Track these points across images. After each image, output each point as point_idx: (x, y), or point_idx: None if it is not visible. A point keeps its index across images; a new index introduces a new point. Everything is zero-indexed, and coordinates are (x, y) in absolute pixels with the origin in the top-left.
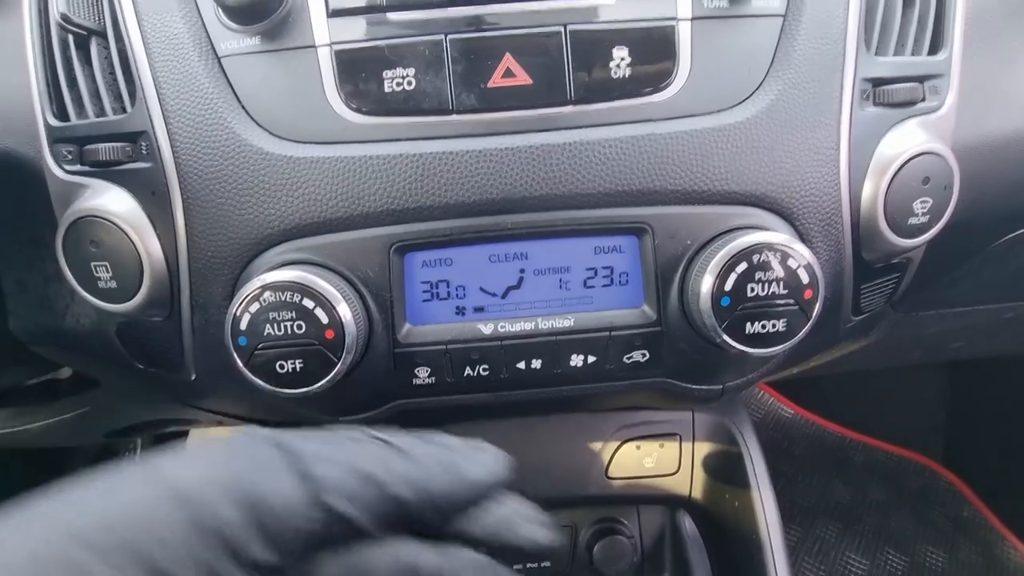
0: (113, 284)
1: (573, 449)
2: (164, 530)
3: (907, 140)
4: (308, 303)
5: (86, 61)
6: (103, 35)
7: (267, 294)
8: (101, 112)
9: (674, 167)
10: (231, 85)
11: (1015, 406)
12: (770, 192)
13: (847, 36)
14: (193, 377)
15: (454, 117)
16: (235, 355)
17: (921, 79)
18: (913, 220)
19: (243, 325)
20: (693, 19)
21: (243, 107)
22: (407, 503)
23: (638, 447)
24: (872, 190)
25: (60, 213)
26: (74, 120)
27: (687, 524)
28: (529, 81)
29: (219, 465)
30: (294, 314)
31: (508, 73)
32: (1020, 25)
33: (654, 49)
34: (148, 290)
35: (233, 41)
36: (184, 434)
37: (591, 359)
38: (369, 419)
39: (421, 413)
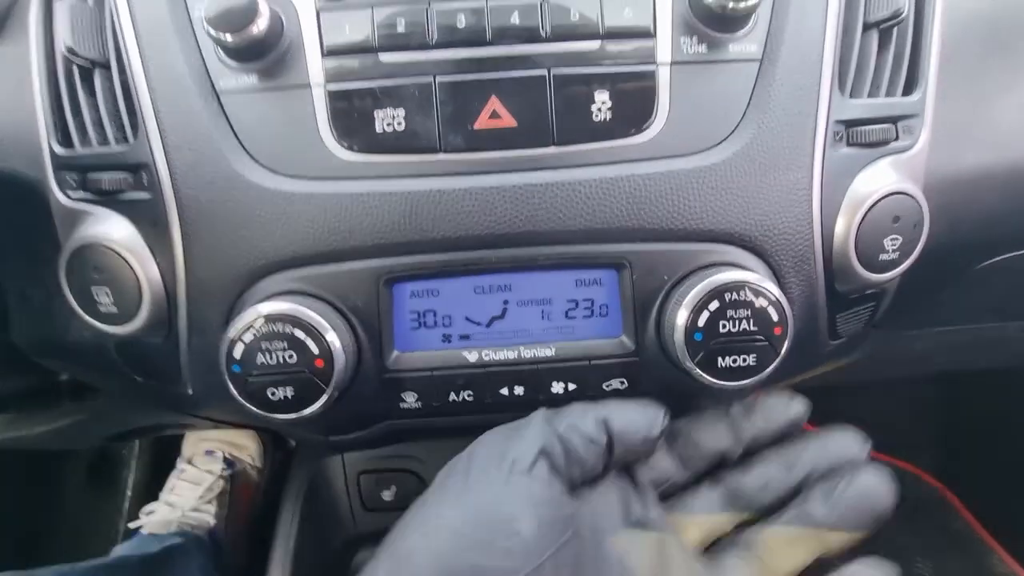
0: (113, 308)
1: None
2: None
3: (879, 180)
4: (299, 333)
5: (90, 91)
6: (107, 67)
7: (260, 324)
8: (104, 141)
9: (652, 206)
10: (229, 121)
11: (1006, 418)
12: (744, 231)
13: (821, 80)
14: (190, 391)
15: (442, 156)
16: (229, 382)
17: (895, 120)
18: (884, 256)
19: (237, 354)
20: (672, 64)
21: (240, 142)
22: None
23: None
24: (844, 228)
25: (64, 236)
26: (78, 148)
27: None
28: (514, 123)
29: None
30: (286, 344)
31: (494, 115)
32: (995, 61)
33: (634, 93)
34: (147, 314)
35: (232, 79)
36: (180, 436)
37: (572, 386)
38: (358, 439)
39: (408, 432)
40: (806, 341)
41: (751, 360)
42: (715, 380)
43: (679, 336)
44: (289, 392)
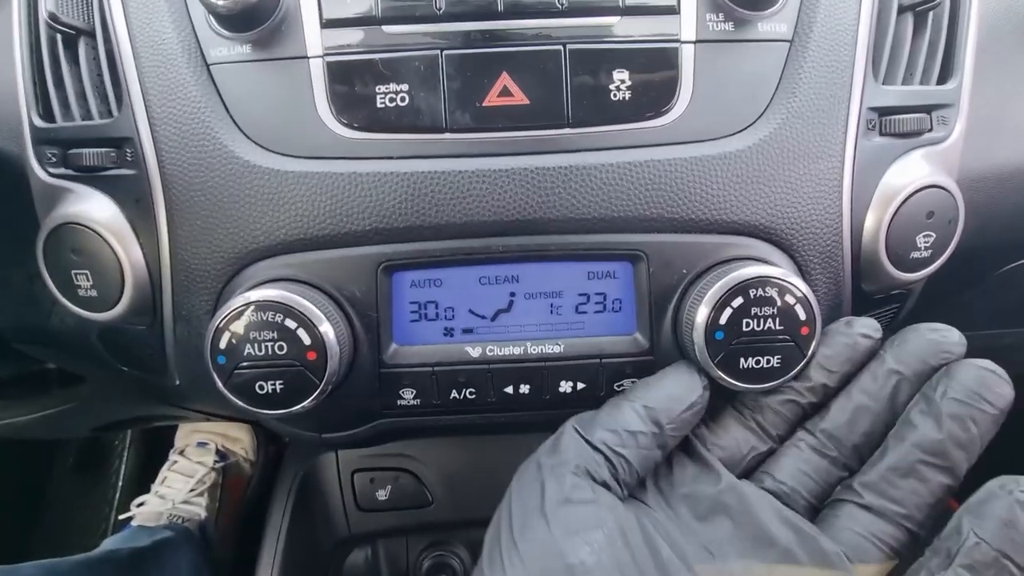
0: (94, 293)
1: None
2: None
3: (912, 172)
4: (290, 323)
5: (73, 61)
6: (92, 35)
7: (248, 313)
8: (87, 115)
9: (672, 194)
10: (219, 93)
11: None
12: (770, 223)
13: (855, 64)
14: (177, 383)
15: (447, 136)
16: (214, 374)
17: (929, 109)
18: (915, 254)
19: (222, 344)
20: (697, 42)
21: (231, 117)
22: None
23: None
24: (874, 223)
25: (42, 216)
26: (60, 122)
27: None
28: (526, 101)
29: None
30: (275, 334)
31: (505, 92)
32: None
33: (656, 72)
34: (129, 300)
35: (223, 48)
36: (174, 428)
37: (581, 386)
38: (352, 437)
39: (405, 430)
40: None
41: (776, 361)
42: (736, 382)
43: (698, 334)
44: (278, 386)
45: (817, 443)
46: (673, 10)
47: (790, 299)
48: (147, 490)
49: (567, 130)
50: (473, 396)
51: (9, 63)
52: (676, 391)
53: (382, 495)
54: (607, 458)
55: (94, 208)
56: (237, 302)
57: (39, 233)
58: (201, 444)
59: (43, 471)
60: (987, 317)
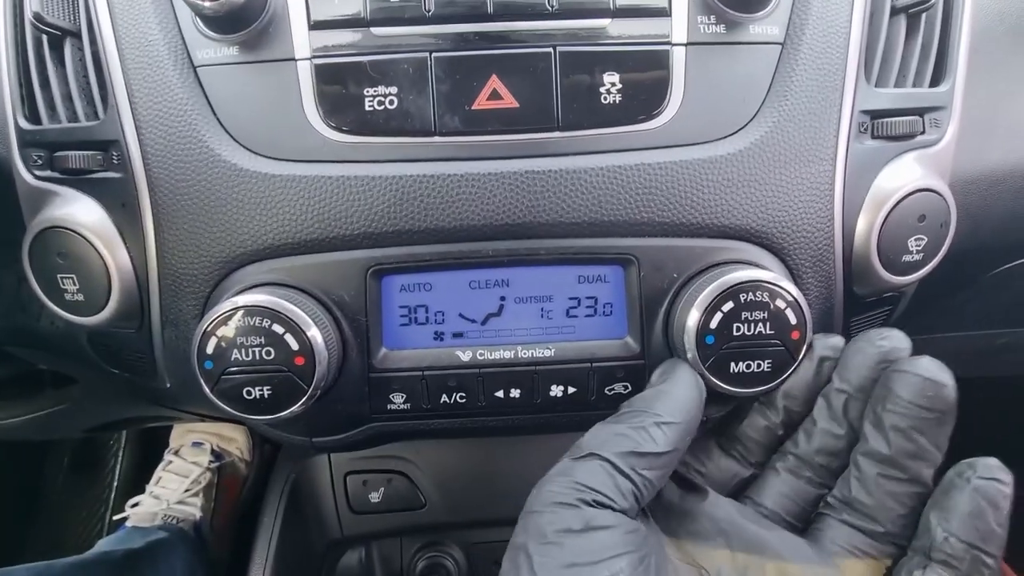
0: (80, 297)
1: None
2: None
3: (904, 175)
4: (278, 328)
5: (59, 62)
6: (77, 35)
7: (235, 317)
8: (73, 117)
9: (663, 198)
10: (206, 96)
11: (1005, 425)
12: (761, 227)
13: (847, 67)
14: (168, 385)
15: (436, 139)
16: (201, 379)
17: (922, 111)
18: (907, 258)
19: (209, 349)
20: (688, 44)
21: (218, 120)
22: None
23: None
24: (866, 226)
25: (28, 219)
26: (46, 124)
27: None
28: (515, 104)
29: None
30: (263, 339)
31: (494, 95)
32: (1021, 55)
33: (646, 75)
34: (117, 304)
35: (210, 50)
36: (169, 428)
37: (571, 390)
38: (343, 441)
39: (396, 434)
40: None
41: (766, 366)
42: (727, 386)
43: (689, 338)
44: (266, 391)
45: (792, 466)
46: (664, 12)
47: (781, 303)
48: (142, 490)
49: (557, 133)
50: (464, 400)
51: None
52: (690, 400)
53: (375, 497)
54: (634, 483)
55: (80, 211)
56: (224, 307)
57: (25, 236)
58: (196, 444)
59: (38, 471)
60: (979, 318)
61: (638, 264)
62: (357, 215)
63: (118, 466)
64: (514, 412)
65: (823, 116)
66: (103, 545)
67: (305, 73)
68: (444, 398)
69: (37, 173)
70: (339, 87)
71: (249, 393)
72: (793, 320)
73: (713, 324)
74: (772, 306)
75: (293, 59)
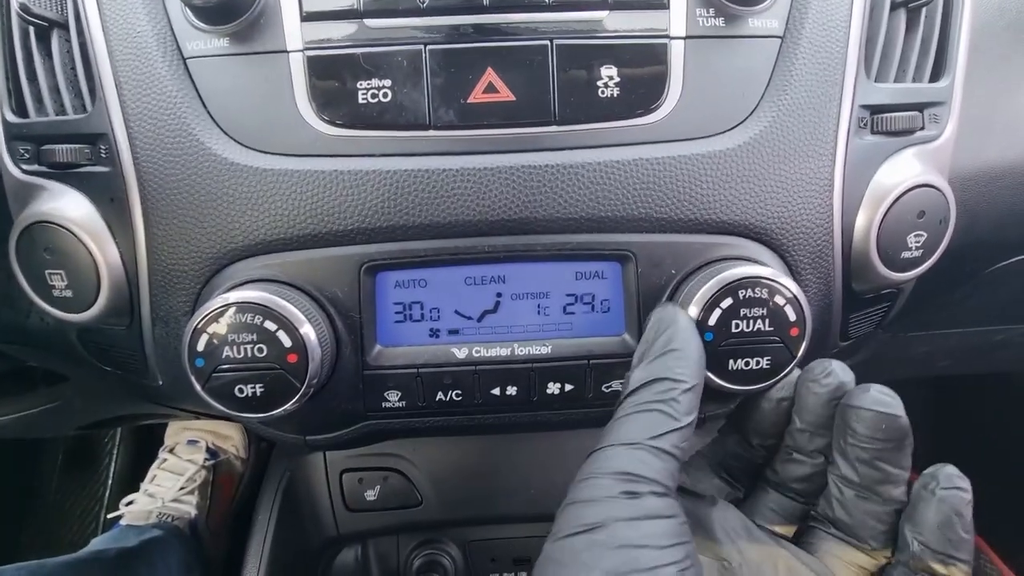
0: (68, 293)
1: (552, 466)
2: None
3: (903, 171)
4: (270, 325)
5: (47, 54)
6: (65, 27)
7: (226, 314)
8: (61, 110)
9: (661, 194)
10: (196, 88)
11: (995, 421)
12: (760, 223)
13: (847, 61)
14: (160, 383)
15: (431, 133)
16: (192, 377)
17: (921, 107)
18: (906, 254)
19: (200, 346)
20: (687, 38)
21: (208, 113)
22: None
23: None
24: (865, 222)
25: (15, 213)
26: (33, 117)
27: None
28: (512, 97)
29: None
30: (255, 336)
31: (490, 88)
32: (1020, 52)
33: (644, 68)
34: (106, 300)
35: (200, 42)
36: (164, 426)
37: (568, 387)
38: (337, 439)
39: (391, 432)
40: (816, 343)
41: (764, 363)
42: (725, 384)
43: None
44: (258, 389)
45: (775, 487)
46: (663, 5)
47: (780, 300)
48: (137, 488)
49: (554, 127)
50: (459, 398)
51: None
52: (702, 358)
53: (371, 495)
54: (676, 460)
55: (68, 206)
56: (215, 303)
57: (12, 231)
58: (191, 442)
59: (32, 470)
60: (976, 315)
61: (636, 260)
62: (350, 210)
63: (112, 464)
64: (511, 410)
65: (823, 111)
66: (97, 544)
67: (297, 65)
68: (440, 396)
69: (24, 167)
70: (332, 80)
71: (241, 391)
72: (792, 317)
73: (712, 321)
74: (771, 303)
75: (285, 51)
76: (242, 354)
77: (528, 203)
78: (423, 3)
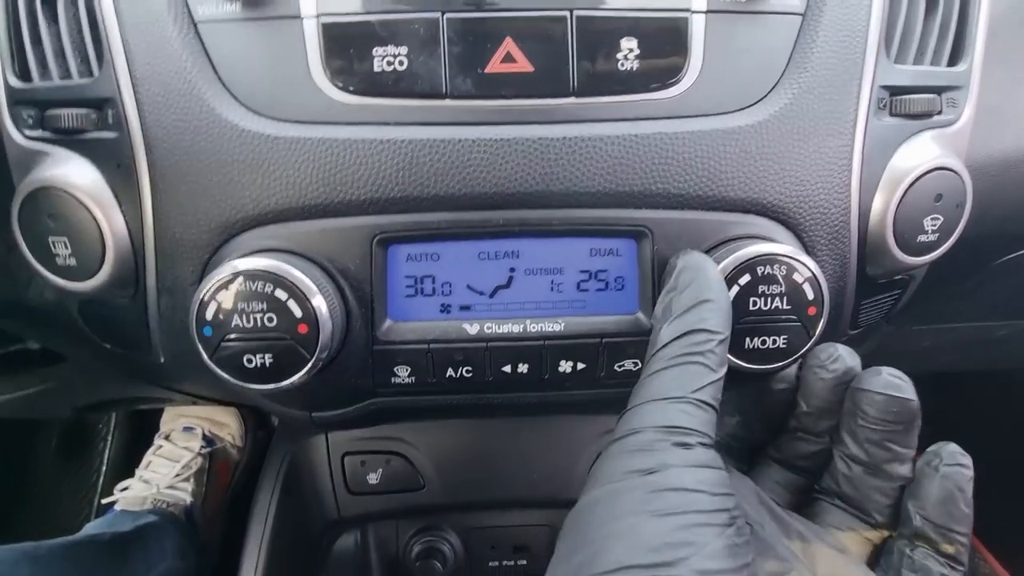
0: (72, 261)
1: (556, 451)
2: None
3: (921, 154)
4: (281, 294)
5: (52, 17)
6: None
7: (236, 282)
8: (66, 75)
9: (679, 169)
10: (207, 53)
11: (992, 417)
12: (778, 201)
13: (868, 40)
14: (162, 360)
15: (447, 102)
16: (199, 346)
17: (939, 90)
18: (922, 238)
19: (209, 314)
20: (708, 12)
21: (219, 78)
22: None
23: None
24: (883, 204)
25: (18, 181)
26: (37, 81)
27: None
28: (530, 68)
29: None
30: (265, 305)
31: (508, 58)
32: None
33: (665, 42)
34: (111, 269)
35: (211, 6)
36: (159, 412)
37: (581, 366)
38: (343, 416)
39: (399, 410)
40: (828, 327)
41: (781, 342)
42: (741, 363)
43: None
44: (267, 359)
45: (779, 463)
46: None
47: (798, 278)
48: (132, 474)
49: (572, 99)
50: (470, 375)
51: None
52: (730, 307)
53: (373, 478)
54: (717, 412)
55: (73, 172)
56: (225, 271)
57: (14, 198)
58: (187, 429)
59: (26, 454)
60: (981, 309)
61: (652, 237)
62: (363, 180)
63: (107, 450)
64: (521, 389)
65: (843, 90)
66: (91, 528)
67: (311, 31)
68: (450, 372)
69: (27, 133)
70: (347, 47)
71: (250, 361)
72: (811, 295)
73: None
74: (789, 280)
75: (299, 16)
76: (251, 323)
77: (544, 176)
78: None
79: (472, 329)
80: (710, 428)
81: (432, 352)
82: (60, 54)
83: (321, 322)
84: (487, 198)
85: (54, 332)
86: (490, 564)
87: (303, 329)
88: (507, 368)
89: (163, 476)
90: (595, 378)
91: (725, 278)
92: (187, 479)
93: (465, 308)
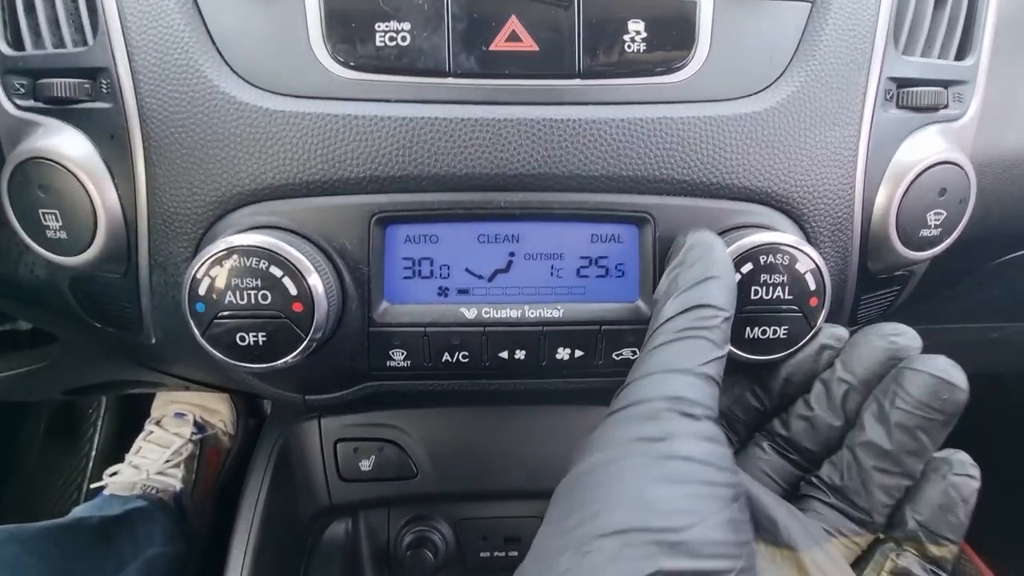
0: (63, 235)
1: (550, 442)
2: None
3: (926, 147)
4: (276, 271)
5: None
6: None
7: (231, 258)
8: (60, 43)
9: (684, 155)
10: (205, 23)
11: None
12: (782, 190)
13: (876, 30)
14: (153, 341)
15: (450, 80)
16: (191, 322)
17: (946, 84)
18: (925, 232)
19: (202, 290)
20: None
21: (217, 49)
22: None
23: None
24: (886, 198)
25: (8, 152)
26: (29, 50)
27: None
28: (535, 48)
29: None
30: (259, 282)
31: (513, 37)
32: None
33: (672, 26)
34: (102, 244)
35: None
36: (150, 397)
37: (578, 353)
38: (338, 399)
39: (394, 395)
40: (827, 321)
41: (782, 332)
42: (740, 352)
43: None
44: (261, 338)
45: (779, 446)
46: None
47: (801, 268)
48: (121, 460)
49: (577, 81)
50: (466, 360)
51: None
52: (735, 287)
53: (365, 465)
54: (720, 389)
55: (65, 143)
56: (219, 246)
57: (3, 169)
58: (178, 415)
59: (14, 437)
60: (976, 310)
61: (654, 223)
62: (363, 157)
63: (97, 435)
64: (518, 375)
65: (851, 79)
66: (79, 511)
67: (313, 4)
68: (446, 357)
69: (18, 102)
70: (349, 20)
71: (243, 339)
72: (813, 286)
73: None
74: (792, 271)
75: None
76: (245, 300)
77: (547, 158)
78: None
79: (470, 313)
80: (715, 404)
81: (428, 336)
82: (54, 22)
83: (316, 301)
84: (488, 179)
85: (44, 311)
86: (481, 555)
87: (298, 308)
88: (504, 354)
89: (153, 462)
90: (593, 366)
91: None
92: (177, 465)
93: (463, 292)
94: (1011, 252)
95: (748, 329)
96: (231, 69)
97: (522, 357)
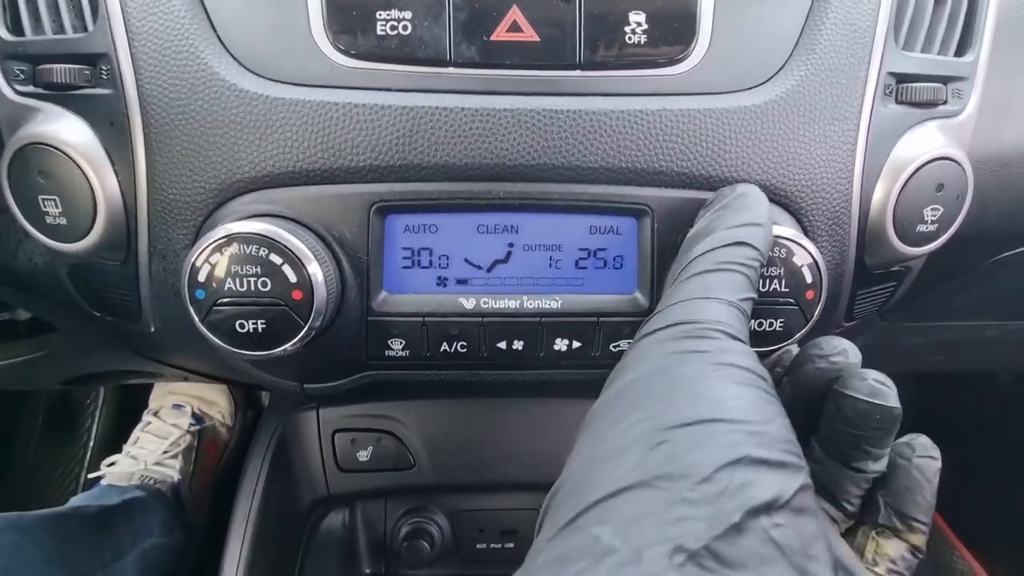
0: (63, 221)
1: (547, 435)
2: None
3: (925, 143)
4: (276, 259)
5: None
6: None
7: (231, 245)
8: (60, 28)
9: (684, 147)
10: (206, 11)
11: (971, 418)
12: (780, 184)
13: (877, 25)
14: (152, 329)
15: (451, 70)
16: (191, 309)
17: (945, 80)
18: (921, 228)
19: (201, 277)
20: None
21: (218, 36)
22: None
23: None
24: (883, 192)
25: (7, 138)
26: (29, 35)
27: None
28: (536, 38)
29: None
30: (259, 269)
31: (514, 27)
32: None
33: (674, 18)
34: (102, 230)
35: None
36: (148, 388)
37: (576, 344)
38: (336, 388)
39: (392, 385)
40: (824, 316)
41: (778, 325)
42: None
43: None
44: (260, 325)
45: None
46: None
47: (798, 261)
48: (119, 450)
49: (577, 72)
50: (464, 350)
51: None
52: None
53: (363, 456)
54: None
55: (65, 129)
56: (219, 233)
57: (3, 154)
58: (177, 406)
59: (12, 427)
60: (971, 308)
61: (652, 216)
62: (363, 146)
63: (95, 426)
64: (516, 366)
65: (851, 74)
66: (77, 500)
67: None
68: (444, 347)
69: (18, 88)
70: (350, 8)
71: (242, 326)
72: (809, 279)
73: None
74: (789, 264)
75: None
76: (245, 287)
77: (546, 149)
78: None
79: (468, 303)
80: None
81: (427, 325)
82: (54, 7)
83: (316, 289)
84: (488, 169)
85: (43, 299)
86: (477, 547)
87: (297, 295)
88: (502, 344)
89: (151, 452)
90: (590, 357)
91: None
92: (175, 456)
93: (462, 282)
94: (1007, 250)
95: None
96: (232, 56)
97: (520, 348)
